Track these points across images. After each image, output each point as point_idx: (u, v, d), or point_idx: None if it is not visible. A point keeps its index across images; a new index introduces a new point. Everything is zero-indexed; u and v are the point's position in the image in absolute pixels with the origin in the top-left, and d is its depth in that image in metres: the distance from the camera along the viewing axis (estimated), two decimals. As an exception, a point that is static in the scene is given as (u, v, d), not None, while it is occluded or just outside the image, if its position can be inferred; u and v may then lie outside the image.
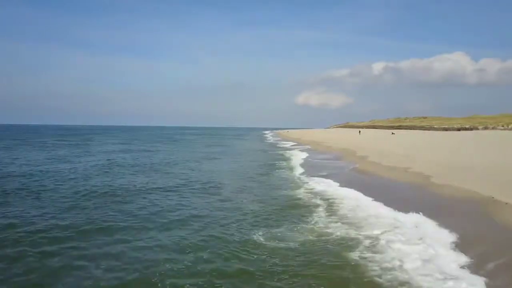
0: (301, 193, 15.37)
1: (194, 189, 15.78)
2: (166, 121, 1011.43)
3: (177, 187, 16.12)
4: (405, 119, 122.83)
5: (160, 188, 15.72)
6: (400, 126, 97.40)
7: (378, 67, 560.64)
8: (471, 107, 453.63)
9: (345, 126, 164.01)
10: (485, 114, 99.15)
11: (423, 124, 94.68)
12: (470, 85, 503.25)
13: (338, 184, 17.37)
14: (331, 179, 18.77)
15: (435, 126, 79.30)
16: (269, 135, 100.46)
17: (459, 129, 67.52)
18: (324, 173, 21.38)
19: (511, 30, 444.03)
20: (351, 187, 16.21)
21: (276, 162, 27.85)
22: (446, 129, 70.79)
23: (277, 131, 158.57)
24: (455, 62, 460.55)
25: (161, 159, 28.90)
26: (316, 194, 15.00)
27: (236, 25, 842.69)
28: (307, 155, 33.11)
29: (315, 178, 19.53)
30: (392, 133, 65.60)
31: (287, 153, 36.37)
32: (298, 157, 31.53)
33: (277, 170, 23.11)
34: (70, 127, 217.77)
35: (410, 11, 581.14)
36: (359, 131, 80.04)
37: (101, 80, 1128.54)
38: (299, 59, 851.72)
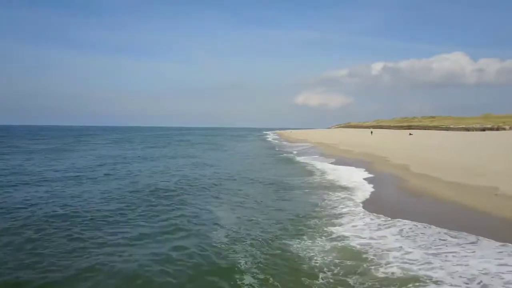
0: (330, 249, 8.27)
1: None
2: (166, 122, 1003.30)
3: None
4: (413, 119, 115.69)
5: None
6: (410, 126, 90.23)
7: (377, 67, 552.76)
8: (471, 107, 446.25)
9: (346, 126, 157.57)
10: (494, 113, 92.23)
11: (435, 124, 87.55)
12: (470, 85, 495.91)
13: (394, 219, 10.37)
14: (379, 210, 11.70)
15: (451, 126, 72.23)
16: (272, 136, 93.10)
17: (483, 129, 60.29)
18: (360, 193, 14.39)
19: (510, 29, 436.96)
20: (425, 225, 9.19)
21: (293, 178, 20.65)
22: (467, 129, 63.60)
23: (278, 131, 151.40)
24: (454, 62, 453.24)
25: (138, 173, 21.66)
26: (359, 249, 7.95)
27: (236, 25, 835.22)
28: (330, 164, 25.79)
29: (356, 210, 12.39)
30: (410, 134, 58.42)
31: (300, 161, 29.17)
32: (319, 168, 24.22)
33: (295, 192, 15.87)
34: (68, 128, 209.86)
35: (409, 11, 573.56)
36: (371, 132, 73.00)
37: (101, 80, 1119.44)
38: (299, 59, 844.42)
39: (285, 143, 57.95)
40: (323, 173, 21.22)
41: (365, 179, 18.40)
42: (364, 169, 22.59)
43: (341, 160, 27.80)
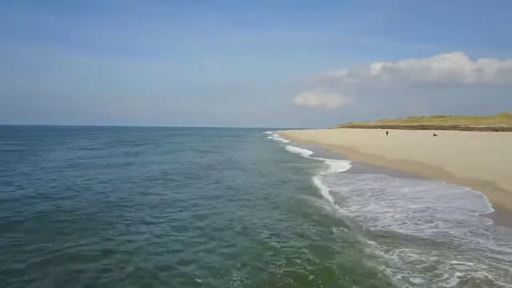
0: None
1: None
2: (165, 122, 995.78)
3: None
4: (421, 119, 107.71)
5: None
6: (423, 126, 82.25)
7: (376, 67, 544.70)
8: (470, 107, 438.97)
9: (348, 126, 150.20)
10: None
11: (450, 123, 79.51)
12: (469, 85, 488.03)
13: None
14: None
15: (471, 126, 64.31)
16: (276, 137, 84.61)
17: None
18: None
19: (509, 30, 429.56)
20: None
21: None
22: (495, 130, 55.62)
23: (280, 131, 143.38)
24: (453, 62, 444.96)
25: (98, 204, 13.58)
26: None
27: (236, 25, 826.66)
28: (389, 180, 17.45)
29: None
30: (434, 135, 50.47)
31: (331, 174, 21.01)
32: (380, 188, 15.92)
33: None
34: (66, 128, 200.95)
35: (408, 11, 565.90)
36: (386, 132, 64.95)
37: (101, 80, 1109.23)
38: (298, 59, 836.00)
39: (295, 146, 49.94)
40: (401, 195, 12.91)
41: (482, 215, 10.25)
42: (428, 189, 14.47)
43: (387, 172, 19.64)
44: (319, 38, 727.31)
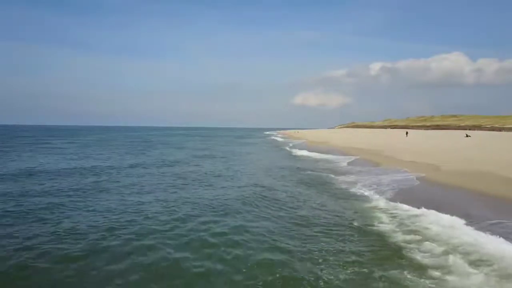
0: None
1: None
2: (166, 122, 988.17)
3: None
4: (431, 118, 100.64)
5: None
6: (437, 125, 75.14)
7: (376, 67, 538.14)
8: (470, 107, 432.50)
9: (351, 126, 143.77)
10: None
11: (467, 123, 72.41)
12: (468, 85, 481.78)
13: None
14: None
15: (496, 126, 57.34)
16: (281, 139, 76.84)
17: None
18: None
19: (509, 30, 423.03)
20: None
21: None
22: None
23: (282, 131, 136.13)
24: (453, 62, 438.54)
25: None
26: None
27: (236, 25, 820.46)
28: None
29: None
30: (467, 136, 43.44)
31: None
32: None
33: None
34: (62, 128, 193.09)
35: (408, 11, 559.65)
36: (406, 133, 58.03)
37: (101, 80, 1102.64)
38: (298, 59, 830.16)
39: (309, 150, 42.82)
40: None
41: None
42: None
43: (467, 198, 12.37)
44: (319, 38, 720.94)
